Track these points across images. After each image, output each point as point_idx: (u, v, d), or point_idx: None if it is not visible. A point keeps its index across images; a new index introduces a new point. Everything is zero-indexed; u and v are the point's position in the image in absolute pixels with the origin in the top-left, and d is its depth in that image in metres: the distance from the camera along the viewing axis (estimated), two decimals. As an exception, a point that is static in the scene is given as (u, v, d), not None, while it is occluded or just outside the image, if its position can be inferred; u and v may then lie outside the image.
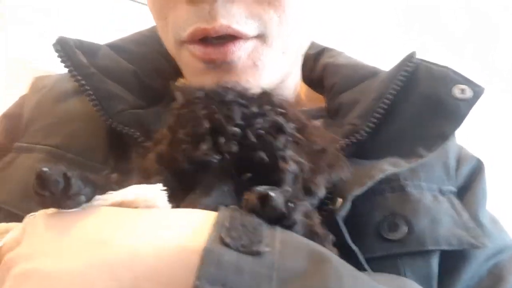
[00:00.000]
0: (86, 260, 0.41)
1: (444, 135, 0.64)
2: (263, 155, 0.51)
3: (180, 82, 0.79)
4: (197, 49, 0.64)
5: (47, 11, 1.79)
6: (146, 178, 0.53)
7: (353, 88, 0.73)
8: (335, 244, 0.51)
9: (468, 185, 0.67)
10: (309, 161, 0.54)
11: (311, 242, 0.45)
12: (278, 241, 0.42)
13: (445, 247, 0.58)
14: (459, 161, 0.69)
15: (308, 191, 0.54)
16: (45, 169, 0.43)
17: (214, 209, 0.45)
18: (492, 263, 0.62)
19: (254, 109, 0.53)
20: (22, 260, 0.43)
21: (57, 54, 0.69)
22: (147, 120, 0.68)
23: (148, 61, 0.78)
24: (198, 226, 0.43)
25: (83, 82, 0.68)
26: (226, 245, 0.40)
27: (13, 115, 0.76)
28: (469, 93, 0.65)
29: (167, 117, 0.57)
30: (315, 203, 0.55)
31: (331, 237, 0.51)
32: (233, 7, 0.60)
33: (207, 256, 0.39)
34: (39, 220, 0.45)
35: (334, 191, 0.58)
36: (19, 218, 0.56)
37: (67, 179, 0.43)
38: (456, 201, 0.64)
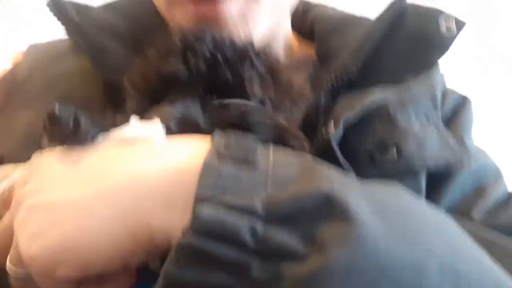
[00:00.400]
0: (88, 189, 0.44)
1: (430, 62, 0.67)
2: (229, 75, 0.53)
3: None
4: (190, 9, 0.65)
5: (47, 11, 1.82)
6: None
7: (342, 31, 0.75)
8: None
9: (454, 116, 0.70)
10: (273, 97, 0.56)
11: (304, 158, 0.46)
12: (271, 155, 0.43)
13: (432, 165, 0.60)
14: (445, 93, 0.71)
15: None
16: (57, 107, 0.46)
17: (179, 118, 0.49)
18: (476, 179, 0.64)
19: (226, 41, 0.56)
20: (31, 194, 0.45)
21: (50, 10, 0.71)
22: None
23: (143, 19, 0.79)
24: (196, 150, 0.44)
25: (75, 36, 0.70)
26: (224, 157, 0.42)
27: (10, 79, 0.77)
28: (452, 24, 0.68)
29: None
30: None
31: (306, 144, 0.53)
32: None
33: (206, 168, 0.41)
34: (43, 159, 0.48)
35: (326, 120, 0.60)
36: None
37: (77, 118, 0.47)
38: (442, 127, 0.66)
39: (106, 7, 0.81)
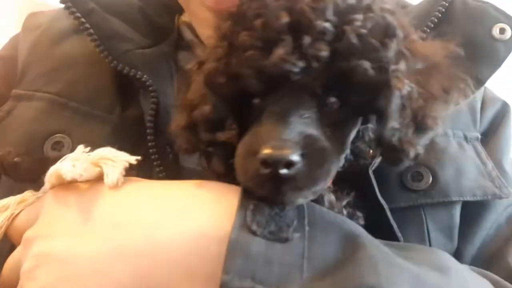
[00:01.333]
0: (103, 246, 0.40)
1: (481, 80, 0.59)
2: (367, 65, 0.38)
3: (186, 16, 0.73)
4: None
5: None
6: (188, 112, 0.45)
7: None
8: (365, 197, 0.49)
9: (493, 130, 0.64)
10: (419, 85, 0.42)
11: (339, 219, 0.41)
12: (306, 224, 0.38)
13: (469, 198, 0.56)
14: (484, 103, 0.65)
15: (421, 126, 0.43)
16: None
17: (303, 145, 0.38)
18: (510, 210, 0.60)
19: (351, 1, 0.40)
20: (41, 239, 0.42)
21: None
22: (154, 60, 0.64)
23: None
24: (222, 211, 0.39)
25: (83, 20, 0.62)
26: (253, 232, 0.37)
27: (7, 58, 0.71)
28: (508, 33, 0.59)
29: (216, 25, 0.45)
30: (426, 143, 0.45)
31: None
32: None
33: (233, 246, 0.36)
34: (55, 196, 0.44)
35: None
36: None
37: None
38: (481, 149, 0.61)
39: None
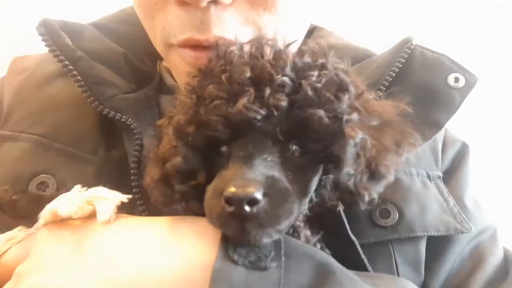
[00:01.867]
0: (95, 277, 0.42)
1: (439, 125, 0.64)
2: (322, 113, 0.42)
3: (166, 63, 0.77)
4: (188, 55, 0.60)
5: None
6: (160, 165, 0.48)
7: None
8: (336, 234, 0.52)
9: (454, 169, 0.69)
10: (372, 138, 0.46)
11: (313, 250, 0.45)
12: (283, 254, 0.42)
13: (433, 233, 0.60)
14: (445, 144, 0.70)
15: (375, 174, 0.46)
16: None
17: (266, 186, 0.40)
18: (473, 244, 0.65)
19: (308, 59, 0.45)
20: (32, 273, 0.44)
21: (41, 37, 0.66)
22: (137, 104, 0.67)
23: (137, 42, 0.75)
24: (204, 241, 0.43)
25: (71, 67, 0.65)
26: (235, 262, 0.40)
27: None
28: (462, 82, 0.65)
29: (183, 86, 0.49)
30: (380, 190, 0.47)
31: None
32: (226, 14, 0.56)
33: (217, 275, 0.40)
34: (49, 232, 0.46)
35: None
36: None
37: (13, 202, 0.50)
38: (443, 187, 0.65)
39: (96, 25, 0.75)
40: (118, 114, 0.64)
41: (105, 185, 0.49)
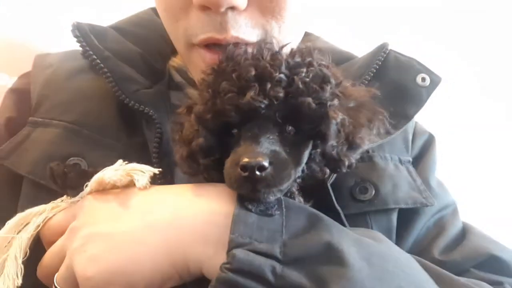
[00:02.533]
0: (138, 223, 0.54)
1: (408, 116, 0.77)
2: (310, 101, 0.54)
3: (174, 62, 0.87)
4: (207, 56, 0.70)
5: None
6: (187, 145, 0.59)
7: None
8: (324, 205, 0.64)
9: (422, 155, 0.82)
10: (349, 117, 0.58)
11: (306, 206, 0.59)
12: (284, 207, 0.55)
13: (403, 205, 0.73)
14: (414, 135, 0.83)
15: (352, 144, 0.59)
16: (52, 165, 0.59)
17: (270, 157, 0.52)
18: (437, 217, 0.77)
19: (298, 59, 0.57)
20: (86, 225, 0.55)
21: (76, 39, 0.75)
22: (154, 98, 0.76)
23: (151, 43, 0.84)
24: (225, 198, 0.56)
25: (101, 65, 0.74)
26: (249, 210, 0.53)
27: (21, 91, 0.80)
28: (428, 81, 0.78)
29: (199, 81, 0.61)
30: (357, 158, 0.61)
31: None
32: (240, 18, 0.66)
33: (236, 218, 0.52)
34: (94, 197, 0.58)
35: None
36: (41, 187, 0.67)
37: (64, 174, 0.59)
38: (412, 169, 0.78)
39: (115, 28, 0.84)
40: (141, 106, 0.73)
41: None
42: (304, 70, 0.55)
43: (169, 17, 0.73)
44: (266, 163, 0.51)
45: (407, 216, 0.74)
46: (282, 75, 0.54)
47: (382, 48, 0.82)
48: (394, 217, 0.73)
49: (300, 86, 0.54)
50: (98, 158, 0.70)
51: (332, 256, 0.51)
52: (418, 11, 1.46)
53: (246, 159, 0.51)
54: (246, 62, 0.56)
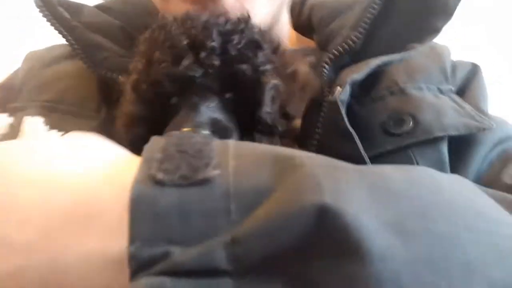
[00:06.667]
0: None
1: (437, 29, 0.64)
2: (245, 67, 0.53)
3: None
4: (186, 6, 0.64)
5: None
6: (125, 113, 0.56)
7: (340, 14, 0.73)
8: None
9: (467, 85, 0.67)
10: (284, 84, 0.56)
11: (272, 147, 0.35)
12: (231, 157, 0.31)
13: (452, 132, 0.58)
14: (454, 67, 0.69)
15: (286, 115, 0.57)
16: None
17: (210, 125, 0.49)
18: (500, 149, 0.61)
19: (229, 27, 0.55)
20: None
21: (38, 9, 0.71)
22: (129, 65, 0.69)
23: (135, 18, 0.79)
24: (119, 161, 0.35)
25: (65, 33, 0.70)
26: (159, 183, 0.29)
27: (8, 86, 0.77)
28: None
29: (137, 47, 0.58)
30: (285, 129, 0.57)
31: None
32: None
33: (138, 206, 0.28)
34: None
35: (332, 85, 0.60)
36: None
37: None
38: (456, 97, 0.63)
39: (98, 6, 0.81)
40: (114, 74, 0.67)
41: (108, 137, 0.45)
42: (237, 37, 0.54)
43: None
44: (207, 133, 0.49)
45: (462, 147, 0.59)
46: (214, 43, 0.53)
47: None
48: (444, 147, 0.58)
49: (233, 53, 0.53)
50: (75, 128, 0.62)
51: (328, 239, 0.26)
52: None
53: (185, 129, 0.48)
54: (177, 31, 0.54)
